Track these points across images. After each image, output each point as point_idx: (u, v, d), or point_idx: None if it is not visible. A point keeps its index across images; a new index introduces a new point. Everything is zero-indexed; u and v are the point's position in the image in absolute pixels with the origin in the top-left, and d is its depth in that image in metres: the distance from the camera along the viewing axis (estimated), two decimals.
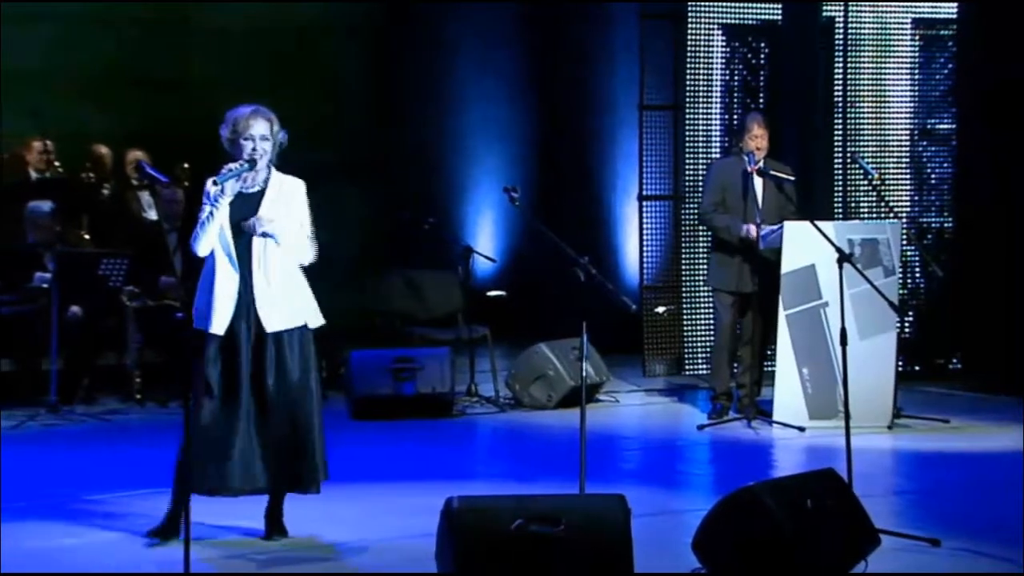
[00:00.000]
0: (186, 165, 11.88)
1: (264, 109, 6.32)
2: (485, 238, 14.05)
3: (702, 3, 11.41)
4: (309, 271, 6.55)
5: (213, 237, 6.20)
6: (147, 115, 12.79)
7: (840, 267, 6.91)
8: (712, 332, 10.85)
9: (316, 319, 6.44)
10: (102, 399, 10.26)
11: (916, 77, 11.86)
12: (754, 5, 11.63)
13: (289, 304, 6.33)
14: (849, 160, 11.39)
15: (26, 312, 10.14)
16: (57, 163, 11.46)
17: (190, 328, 6.11)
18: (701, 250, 11.25)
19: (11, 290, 10.15)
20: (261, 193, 6.30)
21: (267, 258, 6.27)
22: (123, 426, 9.35)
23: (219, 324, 6.20)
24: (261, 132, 6.25)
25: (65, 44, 12.98)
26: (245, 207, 6.25)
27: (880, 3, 11.64)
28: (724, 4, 11.49)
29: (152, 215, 10.87)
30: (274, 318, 6.27)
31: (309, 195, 6.46)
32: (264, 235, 6.23)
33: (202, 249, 6.24)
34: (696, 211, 10.49)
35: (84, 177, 11.41)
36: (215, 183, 6.16)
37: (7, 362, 10.52)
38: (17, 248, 10.36)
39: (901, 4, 11.71)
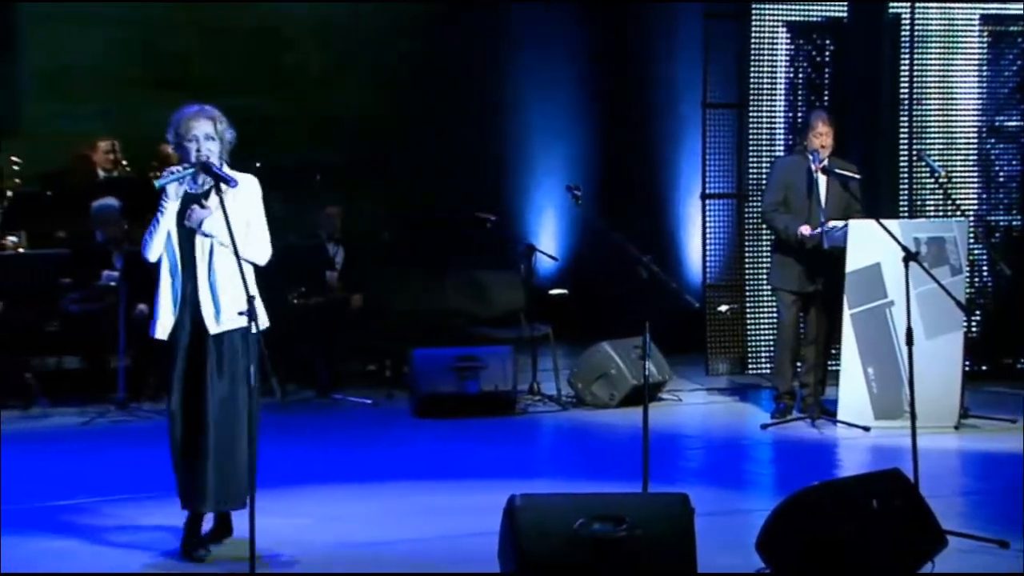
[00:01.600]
0: (258, 164, 11.97)
1: (209, 108, 6.16)
2: (547, 237, 14.05)
3: (767, 1, 11.35)
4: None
5: (161, 241, 6.09)
6: None
7: (906, 266, 6.85)
8: (775, 331, 10.80)
9: (264, 321, 6.06)
10: None
11: (984, 74, 11.73)
12: (819, 2, 11.55)
13: (234, 305, 6.03)
14: (915, 158, 11.29)
15: (94, 310, 10.25)
16: (124, 162, 11.58)
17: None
18: (764, 249, 11.15)
19: (79, 288, 10.26)
20: (208, 192, 6.12)
21: (212, 259, 6.11)
22: None
23: (162, 329, 6.12)
24: (205, 132, 6.08)
25: (122, 45, 13.18)
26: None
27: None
28: (789, 2, 11.42)
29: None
30: (216, 320, 6.11)
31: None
32: (204, 234, 6.07)
33: (151, 254, 6.13)
34: (759, 209, 10.46)
35: (151, 176, 11.50)
36: (176, 186, 6.08)
37: (76, 359, 10.65)
38: (86, 247, 10.48)
39: (969, 0, 11.58)
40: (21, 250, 10.29)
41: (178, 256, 6.11)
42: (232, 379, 6.11)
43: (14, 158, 11.07)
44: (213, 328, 6.10)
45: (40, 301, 10.18)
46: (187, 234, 6.11)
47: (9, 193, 10.90)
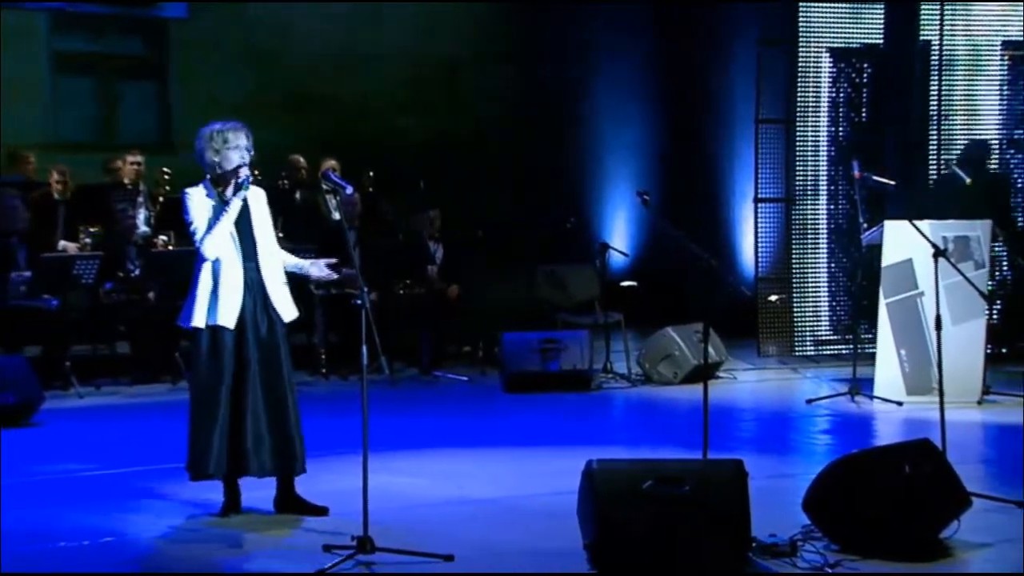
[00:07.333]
0: (371, 173, 12.05)
1: (241, 124, 6.02)
2: (619, 236, 14.02)
3: (812, 29, 11.29)
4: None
5: (224, 239, 5.90)
6: (336, 131, 13.10)
7: (935, 261, 6.75)
8: (818, 318, 10.79)
9: (294, 312, 6.11)
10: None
11: (1004, 93, 11.57)
12: (859, 30, 11.44)
13: (289, 297, 6.08)
14: (943, 166, 11.14)
15: None
16: (256, 172, 11.67)
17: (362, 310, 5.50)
18: (809, 245, 11.15)
19: None
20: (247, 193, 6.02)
21: (269, 254, 6.03)
22: (310, 396, 9.49)
23: (231, 318, 5.89)
24: (245, 143, 5.97)
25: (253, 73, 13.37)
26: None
27: (972, 28, 11.38)
28: (832, 30, 11.35)
29: (337, 216, 11.04)
30: (286, 309, 6.04)
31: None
32: (243, 187, 5.91)
33: (214, 252, 5.88)
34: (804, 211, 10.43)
35: (279, 184, 11.61)
36: (238, 188, 5.90)
37: None
38: None
39: (991, 28, 11.43)
40: (170, 248, 10.42)
41: (240, 248, 5.97)
42: (288, 360, 6.05)
43: (165, 169, 11.21)
44: (287, 316, 6.03)
45: (185, 292, 10.29)
46: (248, 231, 6.00)
47: (161, 199, 11.05)
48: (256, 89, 13.25)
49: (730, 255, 12.97)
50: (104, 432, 8.53)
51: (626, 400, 9.93)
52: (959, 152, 11.15)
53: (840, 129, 11.37)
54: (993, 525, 5.82)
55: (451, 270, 11.34)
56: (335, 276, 6.11)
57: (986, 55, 11.43)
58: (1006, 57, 11.50)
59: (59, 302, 9.98)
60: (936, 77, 11.33)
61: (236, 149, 5.97)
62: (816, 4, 11.33)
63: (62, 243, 10.38)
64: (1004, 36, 11.47)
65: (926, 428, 7.03)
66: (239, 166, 5.97)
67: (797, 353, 11.39)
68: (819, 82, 11.41)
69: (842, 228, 11.41)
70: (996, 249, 11.14)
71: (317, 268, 6.14)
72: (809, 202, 11.43)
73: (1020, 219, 11.74)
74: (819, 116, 11.44)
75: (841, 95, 11.53)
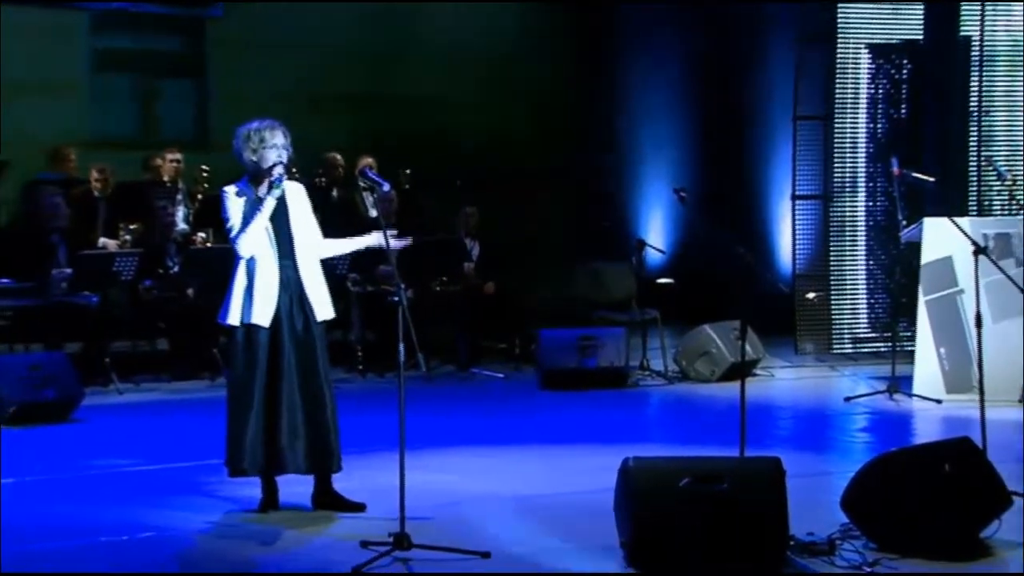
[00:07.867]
0: (408, 171, 12.07)
1: (279, 123, 6.04)
2: (655, 233, 13.98)
3: (851, 26, 11.24)
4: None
5: (259, 236, 5.90)
6: (374, 127, 13.13)
7: (975, 258, 6.69)
8: (856, 315, 10.68)
9: (330, 312, 6.08)
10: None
11: None
12: (898, 26, 11.37)
13: (327, 296, 6.07)
14: (983, 163, 11.05)
15: None
16: (294, 169, 11.71)
17: (399, 308, 5.43)
18: (848, 242, 11.08)
19: None
20: (282, 192, 6.00)
21: (308, 251, 6.01)
22: (347, 393, 9.49)
23: (266, 316, 5.89)
24: (282, 141, 5.97)
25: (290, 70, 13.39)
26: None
27: (1013, 23, 11.27)
28: (871, 25, 11.28)
29: (374, 213, 11.06)
30: (323, 309, 6.01)
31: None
32: (276, 185, 5.89)
33: (249, 249, 5.90)
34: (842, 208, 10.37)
35: (316, 182, 11.64)
36: (271, 187, 5.89)
37: None
38: None
39: None
40: (209, 245, 10.47)
41: (276, 247, 5.97)
42: (325, 358, 6.03)
43: (203, 167, 11.26)
44: (321, 315, 6.00)
45: (224, 288, 10.35)
46: (285, 228, 5.98)
47: (199, 196, 11.10)
48: (292, 86, 13.28)
49: (768, 252, 12.91)
50: (144, 428, 8.59)
51: (663, 397, 9.90)
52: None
53: (879, 125, 11.30)
54: None
55: (487, 267, 11.34)
56: (409, 241, 6.02)
57: None
58: None
59: (99, 299, 10.05)
60: (976, 73, 11.23)
61: (273, 148, 5.98)
62: (855, 1, 11.26)
63: (102, 240, 10.45)
64: None
65: (966, 426, 6.96)
66: (274, 164, 5.99)
67: (835, 351, 11.33)
68: (858, 78, 11.35)
69: (880, 225, 11.34)
70: None
71: (382, 239, 5.95)
72: (847, 199, 11.37)
73: None
74: (858, 112, 11.37)
75: (880, 91, 11.45)
